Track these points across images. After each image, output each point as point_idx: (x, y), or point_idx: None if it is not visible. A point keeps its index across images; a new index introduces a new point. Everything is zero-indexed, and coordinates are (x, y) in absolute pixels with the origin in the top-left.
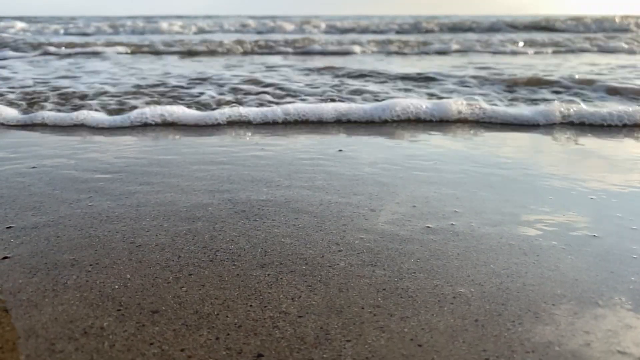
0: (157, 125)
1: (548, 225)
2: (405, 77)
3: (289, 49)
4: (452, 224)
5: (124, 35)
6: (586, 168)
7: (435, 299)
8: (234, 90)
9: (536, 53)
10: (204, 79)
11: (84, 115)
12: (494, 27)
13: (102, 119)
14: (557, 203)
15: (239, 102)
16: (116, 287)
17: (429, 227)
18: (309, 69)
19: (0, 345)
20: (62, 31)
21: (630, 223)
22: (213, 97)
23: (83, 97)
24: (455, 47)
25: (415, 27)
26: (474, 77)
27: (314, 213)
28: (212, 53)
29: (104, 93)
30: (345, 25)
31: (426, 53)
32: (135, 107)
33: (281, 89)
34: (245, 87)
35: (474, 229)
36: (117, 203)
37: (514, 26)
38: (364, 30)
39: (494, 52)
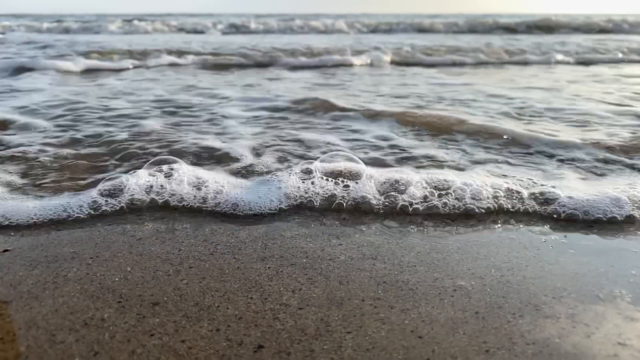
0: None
1: (548, 218)
2: None
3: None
4: None
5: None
6: None
7: (436, 291)
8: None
9: None
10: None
11: None
12: (548, 28)
13: None
14: None
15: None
16: (116, 279)
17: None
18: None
19: (1, 336)
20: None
21: None
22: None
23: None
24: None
25: (470, 27)
26: None
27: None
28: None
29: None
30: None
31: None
32: None
33: None
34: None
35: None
36: None
37: (575, 28)
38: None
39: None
